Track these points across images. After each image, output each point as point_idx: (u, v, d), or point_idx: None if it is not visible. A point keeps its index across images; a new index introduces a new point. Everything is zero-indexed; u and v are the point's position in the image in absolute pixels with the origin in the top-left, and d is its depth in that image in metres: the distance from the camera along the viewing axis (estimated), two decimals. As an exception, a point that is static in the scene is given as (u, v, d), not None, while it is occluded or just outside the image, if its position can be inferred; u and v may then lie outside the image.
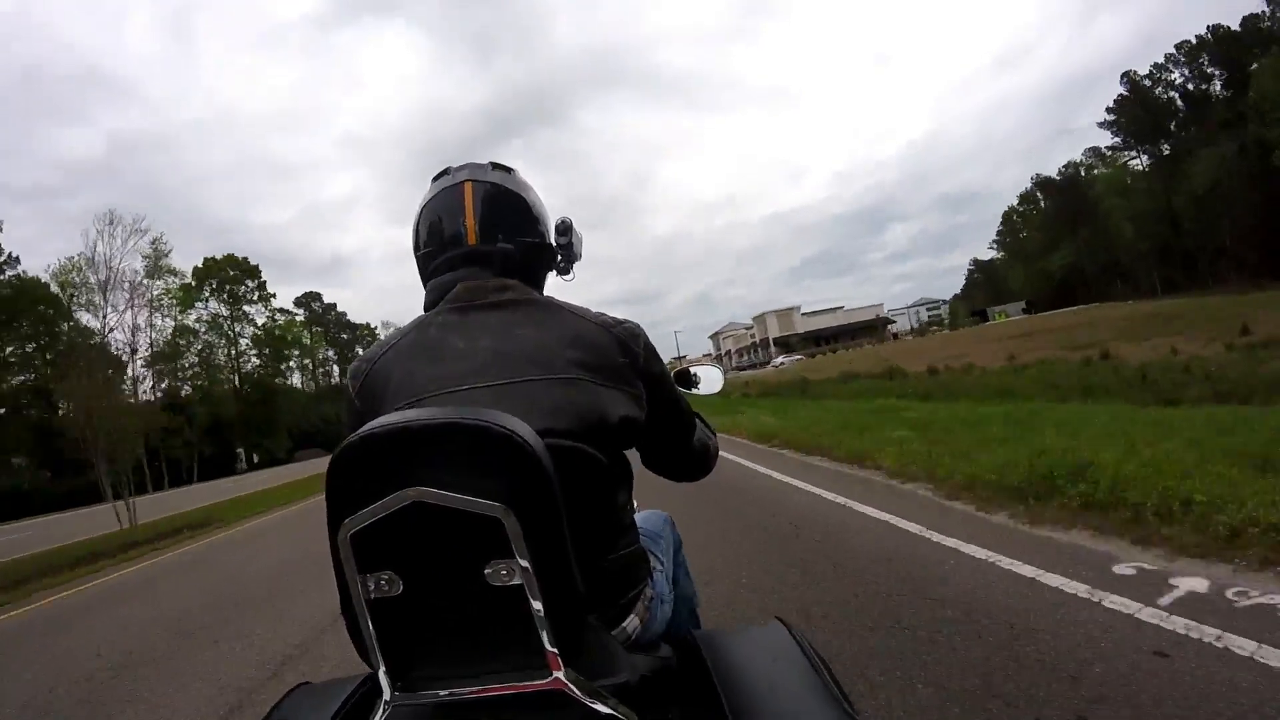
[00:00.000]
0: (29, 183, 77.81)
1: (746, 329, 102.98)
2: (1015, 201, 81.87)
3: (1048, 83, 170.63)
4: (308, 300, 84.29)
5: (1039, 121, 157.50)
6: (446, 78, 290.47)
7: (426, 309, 0.94)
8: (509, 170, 1.00)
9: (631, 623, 0.88)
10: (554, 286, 1.07)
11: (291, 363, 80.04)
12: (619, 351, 0.87)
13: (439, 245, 0.96)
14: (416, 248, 1.00)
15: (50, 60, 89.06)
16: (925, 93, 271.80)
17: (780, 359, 72.91)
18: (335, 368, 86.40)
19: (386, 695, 0.63)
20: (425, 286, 0.97)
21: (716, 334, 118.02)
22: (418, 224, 1.00)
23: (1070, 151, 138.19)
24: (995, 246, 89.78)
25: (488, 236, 0.94)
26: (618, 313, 0.94)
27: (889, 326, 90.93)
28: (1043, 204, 75.49)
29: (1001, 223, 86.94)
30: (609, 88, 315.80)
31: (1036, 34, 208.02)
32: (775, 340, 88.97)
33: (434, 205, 0.98)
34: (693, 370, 1.47)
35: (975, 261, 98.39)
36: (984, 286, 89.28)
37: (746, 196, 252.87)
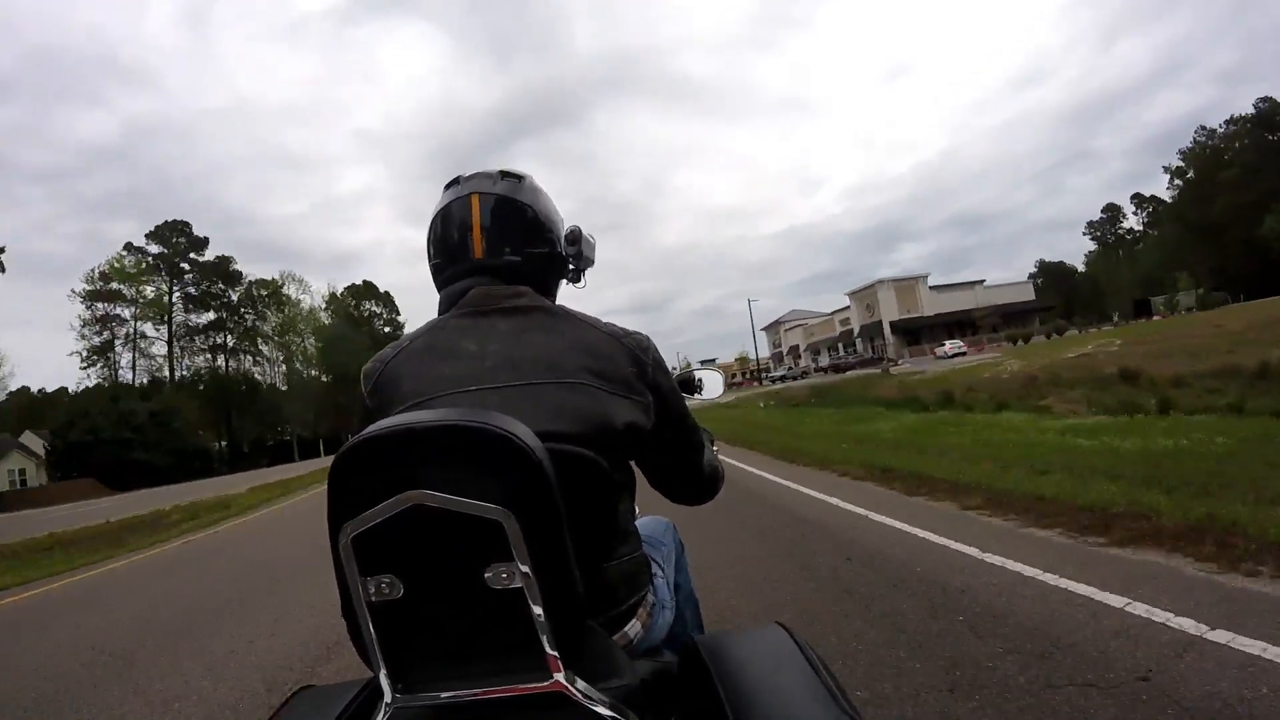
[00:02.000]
0: (44, 163, 75.96)
1: (834, 314, 71.30)
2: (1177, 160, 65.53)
3: (1066, 105, 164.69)
4: (168, 233, 53.94)
5: (1057, 143, 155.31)
6: (463, 77, 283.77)
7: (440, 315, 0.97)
8: (519, 179, 0.99)
9: (634, 628, 0.89)
10: (568, 293, 1.05)
11: (127, 328, 49.87)
12: (628, 361, 0.88)
13: (448, 257, 0.98)
14: (429, 258, 1.01)
15: (70, 43, 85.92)
16: (941, 110, 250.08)
17: (952, 344, 44.91)
18: (218, 342, 56.08)
19: (387, 698, 0.63)
20: (439, 294, 0.99)
21: (775, 323, 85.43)
22: (430, 234, 1.00)
23: (1085, 175, 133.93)
24: (1090, 234, 79.82)
25: (494, 249, 0.95)
26: (624, 320, 0.95)
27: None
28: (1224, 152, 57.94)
29: (1103, 210, 78.70)
30: (624, 92, 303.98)
31: (1056, 55, 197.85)
32: (895, 325, 57.41)
33: (443, 216, 0.98)
34: (696, 375, 1.42)
35: (1041, 263, 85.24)
36: (1054, 290, 72.57)
37: (758, 208, 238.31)
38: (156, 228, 53.11)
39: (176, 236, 53.12)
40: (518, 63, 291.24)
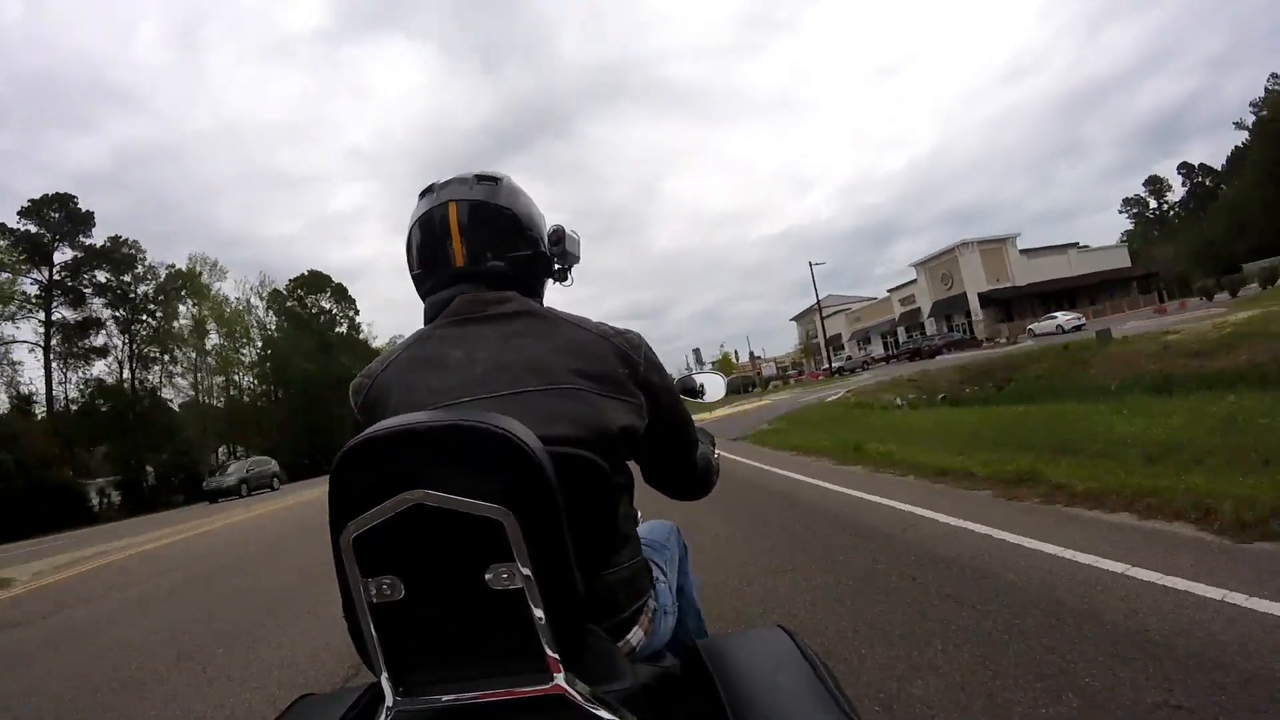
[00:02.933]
0: (38, 191, 61.50)
1: (892, 292, 58.37)
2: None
3: (1055, 96, 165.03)
4: (41, 209, 42.03)
5: (1046, 135, 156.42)
6: (454, 92, 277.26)
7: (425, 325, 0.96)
8: (496, 181, 0.97)
9: (635, 634, 0.88)
10: (557, 293, 1.00)
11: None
12: (619, 362, 0.87)
13: (429, 267, 0.96)
14: (410, 268, 0.99)
15: (60, 69, 78.67)
16: (930, 107, 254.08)
17: (1066, 316, 35.02)
18: (102, 345, 43.53)
19: (389, 701, 0.63)
20: (424, 303, 0.98)
21: (812, 309, 71.94)
22: (408, 244, 0.99)
23: (1075, 169, 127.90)
24: (1128, 212, 75.52)
25: (475, 257, 0.93)
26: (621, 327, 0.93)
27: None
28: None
29: (1146, 184, 73.73)
30: (614, 101, 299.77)
31: (1043, 47, 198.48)
32: (983, 296, 44.81)
33: (420, 226, 0.96)
34: (697, 380, 1.44)
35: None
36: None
37: (752, 211, 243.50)
38: (33, 202, 40.28)
39: (48, 209, 40.48)
40: (507, 76, 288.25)
